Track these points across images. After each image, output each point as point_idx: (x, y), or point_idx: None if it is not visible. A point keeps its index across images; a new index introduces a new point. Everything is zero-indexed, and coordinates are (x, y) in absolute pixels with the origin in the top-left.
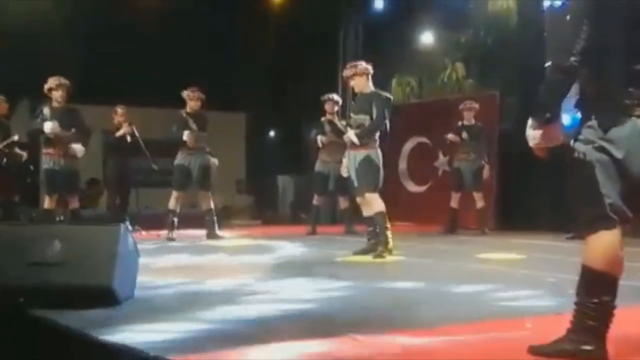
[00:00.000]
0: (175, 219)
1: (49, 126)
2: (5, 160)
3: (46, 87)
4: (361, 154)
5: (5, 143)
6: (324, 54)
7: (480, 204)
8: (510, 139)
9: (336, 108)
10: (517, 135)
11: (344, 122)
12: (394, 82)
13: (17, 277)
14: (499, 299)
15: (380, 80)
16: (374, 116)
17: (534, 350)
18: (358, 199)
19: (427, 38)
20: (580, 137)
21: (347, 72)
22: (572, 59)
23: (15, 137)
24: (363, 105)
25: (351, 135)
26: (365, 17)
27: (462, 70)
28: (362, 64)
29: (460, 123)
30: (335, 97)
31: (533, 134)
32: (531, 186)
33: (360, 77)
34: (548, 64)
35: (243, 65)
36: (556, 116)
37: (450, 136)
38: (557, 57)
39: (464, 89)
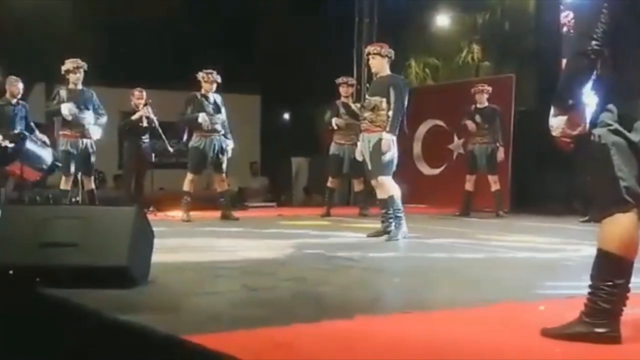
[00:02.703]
0: (190, 201)
1: (66, 108)
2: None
3: (63, 69)
4: (375, 136)
5: None
6: (339, 36)
7: (495, 186)
8: (525, 122)
9: (351, 91)
10: (533, 117)
11: (358, 105)
12: (412, 63)
13: (33, 257)
14: (511, 282)
15: (396, 63)
16: (393, 101)
17: (547, 332)
18: (372, 182)
19: (443, 20)
20: (597, 120)
21: (370, 49)
22: (594, 42)
23: None
24: (379, 87)
25: (386, 137)
26: None
27: (478, 52)
28: (386, 47)
29: (473, 106)
30: (350, 79)
31: (557, 122)
32: (547, 169)
33: (382, 58)
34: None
35: (258, 47)
36: (579, 102)
37: (469, 123)
38: (579, 42)
39: (480, 71)
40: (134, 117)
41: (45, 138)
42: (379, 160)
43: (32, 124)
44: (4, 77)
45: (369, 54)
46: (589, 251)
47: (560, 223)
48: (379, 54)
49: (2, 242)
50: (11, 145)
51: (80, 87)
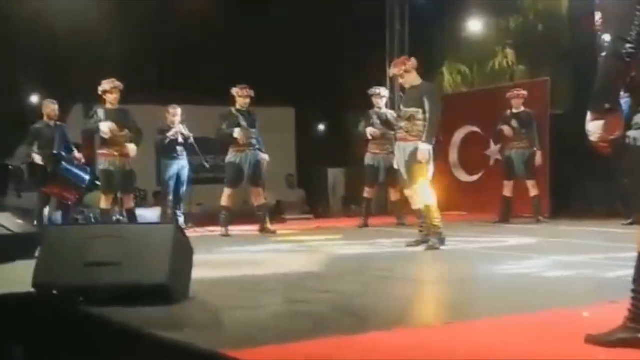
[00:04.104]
0: (229, 216)
1: (105, 126)
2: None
3: (100, 89)
4: (411, 145)
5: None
6: (371, 45)
7: (533, 192)
8: (562, 125)
9: (385, 101)
10: (570, 120)
11: (395, 113)
12: (445, 70)
13: (75, 277)
14: (554, 289)
15: (428, 69)
16: (428, 110)
17: (591, 339)
18: (406, 191)
19: (475, 25)
20: (633, 122)
21: (395, 71)
22: (628, 45)
23: (35, 158)
24: (413, 98)
25: (423, 147)
26: (412, 4)
27: (512, 56)
28: (409, 60)
29: (508, 112)
30: (383, 91)
31: (594, 127)
32: (586, 172)
33: (410, 73)
34: (603, 52)
35: (292, 60)
36: (616, 106)
37: (505, 128)
38: (614, 45)
39: (514, 75)
40: (169, 134)
41: (82, 158)
42: (415, 169)
43: (71, 145)
44: (41, 100)
45: (395, 75)
46: (632, 255)
47: (602, 227)
48: (406, 71)
49: (45, 262)
50: (49, 166)
51: (117, 106)
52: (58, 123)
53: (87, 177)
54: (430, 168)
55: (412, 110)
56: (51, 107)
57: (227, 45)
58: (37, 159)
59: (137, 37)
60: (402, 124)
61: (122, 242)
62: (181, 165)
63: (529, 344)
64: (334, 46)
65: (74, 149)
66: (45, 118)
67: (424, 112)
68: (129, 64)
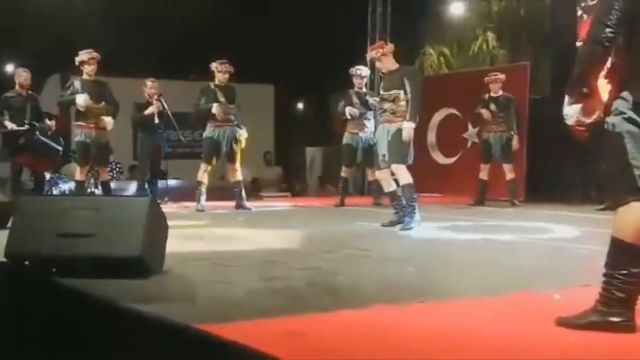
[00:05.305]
0: (204, 191)
1: (81, 99)
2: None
3: (77, 60)
4: (394, 126)
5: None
6: (353, 25)
7: (509, 175)
8: (541, 110)
9: (365, 81)
10: (548, 105)
11: (377, 99)
12: (427, 52)
13: (49, 247)
14: (526, 271)
15: (409, 51)
16: (410, 91)
17: (561, 321)
18: (377, 174)
19: (457, 8)
20: (612, 108)
21: (372, 54)
22: (608, 30)
23: (9, 126)
24: (394, 80)
25: (408, 126)
26: None
27: (493, 40)
28: (387, 44)
29: (486, 95)
30: (363, 71)
31: (571, 111)
32: (563, 157)
33: (387, 57)
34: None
35: (271, 36)
36: (593, 90)
37: (484, 112)
38: (593, 30)
39: (495, 59)
40: (146, 112)
41: (53, 127)
42: (398, 149)
43: (43, 115)
44: (15, 68)
45: (373, 59)
46: (605, 240)
47: (576, 212)
48: (384, 54)
49: (18, 233)
50: (22, 131)
51: (94, 78)
52: (30, 92)
53: (59, 148)
54: (412, 150)
55: (394, 92)
56: (23, 76)
57: (209, 20)
58: (10, 125)
59: (117, 8)
60: (387, 105)
61: (96, 213)
62: (158, 139)
63: (499, 325)
64: (316, 25)
65: (46, 119)
66: (17, 87)
67: (406, 93)
68: (108, 35)
